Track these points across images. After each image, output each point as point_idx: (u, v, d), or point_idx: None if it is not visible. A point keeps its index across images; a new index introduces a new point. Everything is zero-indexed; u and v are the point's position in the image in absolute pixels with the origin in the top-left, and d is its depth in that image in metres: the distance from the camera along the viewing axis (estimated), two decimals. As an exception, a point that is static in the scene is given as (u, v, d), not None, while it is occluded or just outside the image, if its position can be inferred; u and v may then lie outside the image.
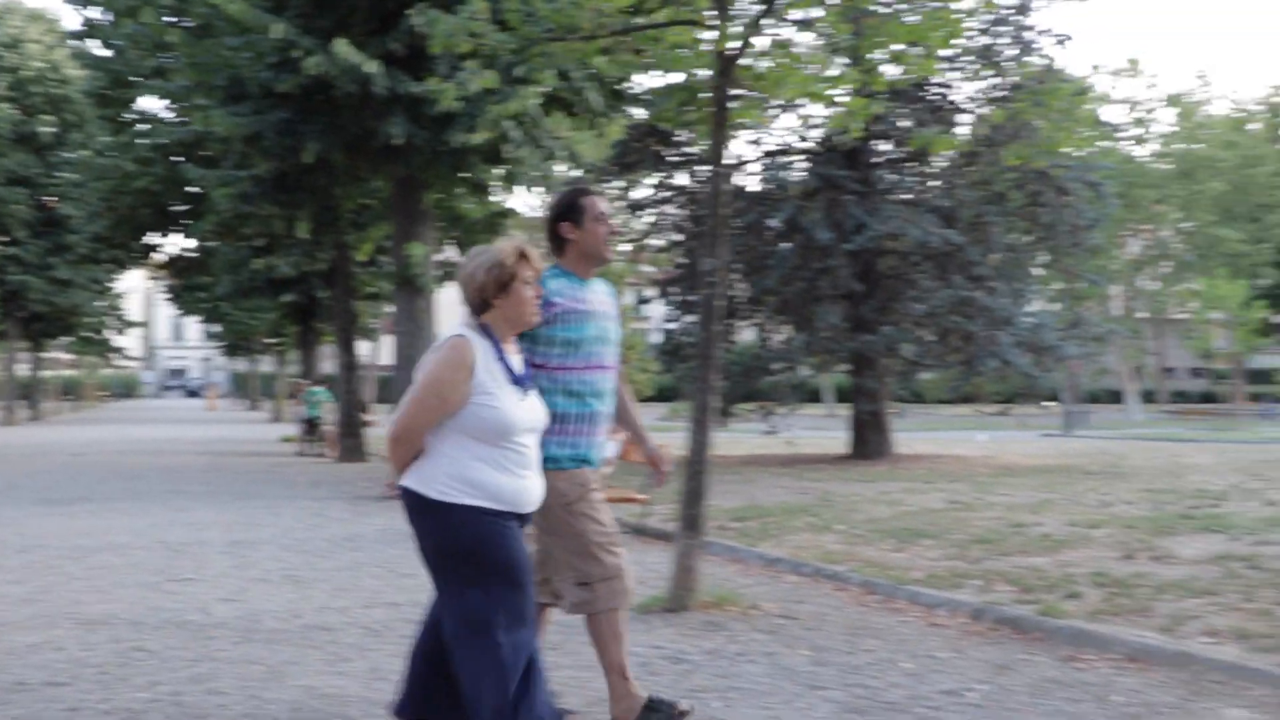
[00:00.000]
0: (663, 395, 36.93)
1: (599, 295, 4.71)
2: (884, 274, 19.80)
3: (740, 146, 21.28)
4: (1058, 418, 39.96)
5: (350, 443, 22.21)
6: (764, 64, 7.08)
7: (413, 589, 7.98)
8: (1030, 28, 19.77)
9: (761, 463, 19.46)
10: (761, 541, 9.92)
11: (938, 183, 20.38)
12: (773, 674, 5.63)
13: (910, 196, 19.78)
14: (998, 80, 19.31)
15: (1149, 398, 65.96)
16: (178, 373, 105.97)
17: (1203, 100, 55.83)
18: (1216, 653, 5.72)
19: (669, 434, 14.54)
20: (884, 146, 20.05)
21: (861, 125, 7.94)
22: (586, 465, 4.62)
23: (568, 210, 4.65)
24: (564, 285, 4.54)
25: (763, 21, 7.16)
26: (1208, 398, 72.52)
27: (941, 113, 19.38)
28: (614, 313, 4.79)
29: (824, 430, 31.15)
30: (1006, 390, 22.09)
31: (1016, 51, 19.34)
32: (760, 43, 7.28)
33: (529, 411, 3.93)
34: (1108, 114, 51.80)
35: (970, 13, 7.24)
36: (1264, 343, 56.29)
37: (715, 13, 7.03)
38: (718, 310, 7.11)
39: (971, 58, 19.48)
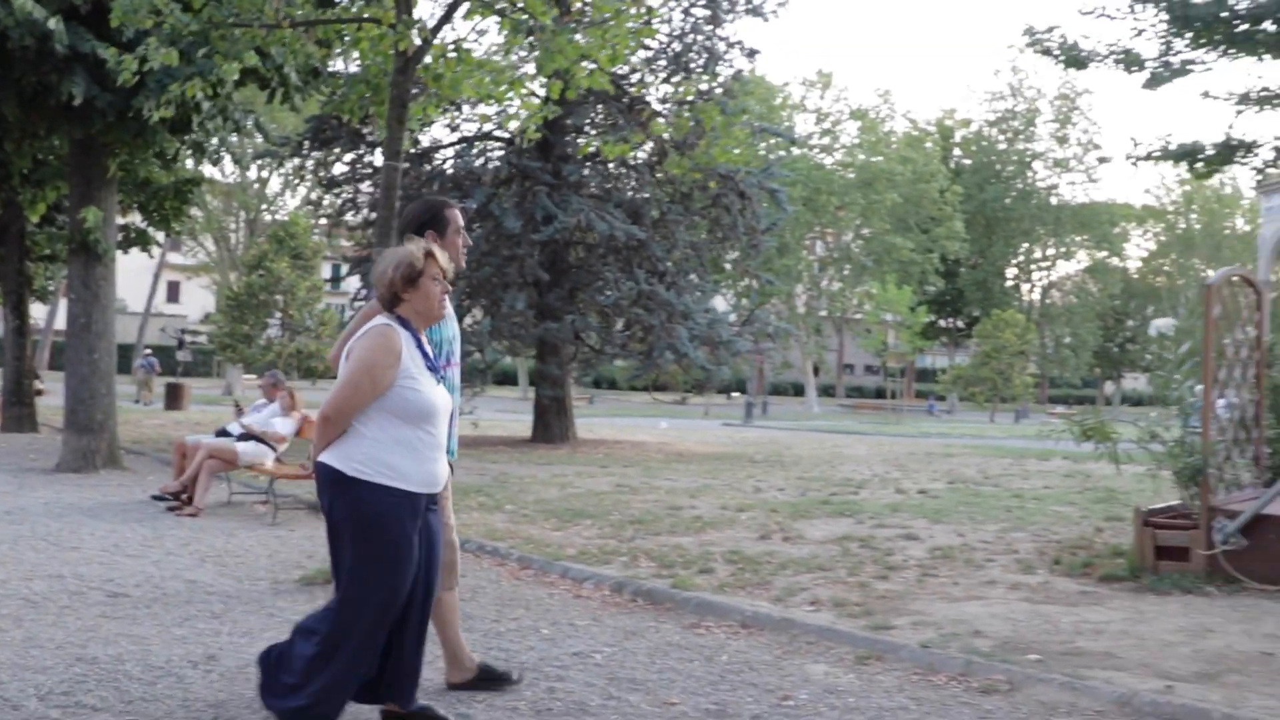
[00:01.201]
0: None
1: (446, 298, 5.07)
2: (571, 264, 20.48)
3: (438, 130, 21.46)
4: (741, 408, 42.06)
5: (18, 412, 21.04)
6: (443, 66, 7.43)
7: (76, 561, 7.94)
8: (724, 39, 20.89)
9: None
10: (433, 519, 10.27)
11: (627, 180, 21.22)
12: (420, 641, 6.02)
13: (599, 191, 20.50)
14: (687, 86, 20.26)
15: (828, 392, 70.20)
16: None
17: (885, 117, 59.93)
18: (814, 619, 6.53)
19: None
20: (580, 140, 20.70)
21: (536, 127, 8.42)
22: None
23: (433, 219, 5.01)
24: None
25: (443, 26, 7.53)
26: (881, 394, 77.26)
27: (634, 114, 20.16)
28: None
29: (516, 414, 31.72)
30: (692, 380, 23.20)
31: (705, 60, 20.36)
32: (441, 45, 7.64)
33: (443, 397, 4.31)
34: (800, 123, 54.91)
35: (640, 33, 7.78)
36: (928, 344, 60.98)
37: (399, 13, 7.35)
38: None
39: (664, 62, 20.41)
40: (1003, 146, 68.06)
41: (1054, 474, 16.84)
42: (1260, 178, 12.22)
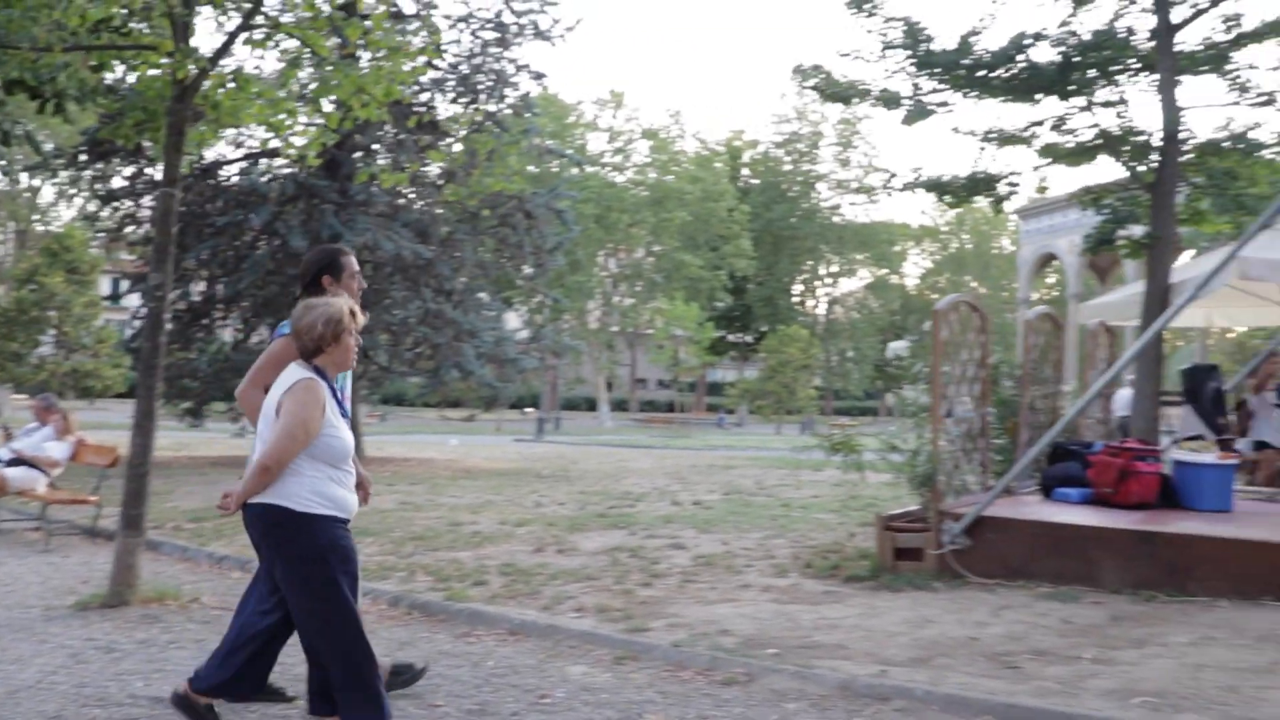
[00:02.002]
0: (134, 392, 35.45)
1: None
2: (359, 283, 20.48)
3: (223, 146, 21.12)
4: (533, 423, 42.37)
5: None
6: (220, 94, 7.61)
7: None
8: (513, 61, 21.23)
9: (230, 464, 19.52)
10: (213, 541, 10.36)
11: (415, 198, 21.35)
12: (198, 658, 6.16)
13: (387, 209, 20.56)
14: (475, 108, 20.57)
15: (621, 406, 71.16)
16: None
17: (675, 136, 61.42)
18: (577, 624, 6.97)
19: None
20: (364, 163, 20.69)
21: (317, 153, 8.66)
22: None
23: (329, 266, 5.42)
24: None
25: (223, 55, 7.70)
26: (673, 407, 78.69)
27: (421, 134, 20.31)
28: None
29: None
30: (485, 397, 23.43)
31: (493, 83, 20.71)
32: (220, 74, 7.80)
33: (351, 437, 4.74)
34: (593, 142, 55.81)
35: (416, 71, 8.10)
36: (717, 359, 62.68)
37: (176, 41, 7.48)
38: (161, 322, 7.57)
39: (454, 83, 20.65)
40: (789, 167, 70.49)
41: (824, 484, 17.66)
42: (998, 209, 13.24)
